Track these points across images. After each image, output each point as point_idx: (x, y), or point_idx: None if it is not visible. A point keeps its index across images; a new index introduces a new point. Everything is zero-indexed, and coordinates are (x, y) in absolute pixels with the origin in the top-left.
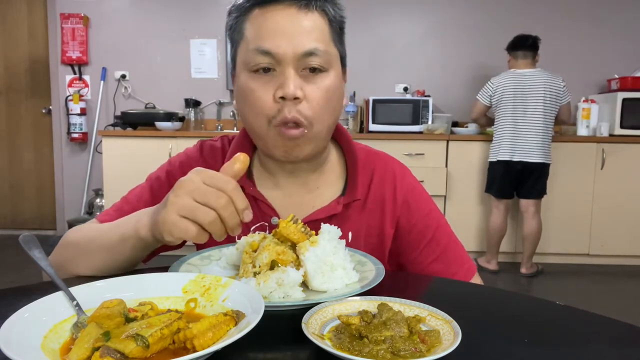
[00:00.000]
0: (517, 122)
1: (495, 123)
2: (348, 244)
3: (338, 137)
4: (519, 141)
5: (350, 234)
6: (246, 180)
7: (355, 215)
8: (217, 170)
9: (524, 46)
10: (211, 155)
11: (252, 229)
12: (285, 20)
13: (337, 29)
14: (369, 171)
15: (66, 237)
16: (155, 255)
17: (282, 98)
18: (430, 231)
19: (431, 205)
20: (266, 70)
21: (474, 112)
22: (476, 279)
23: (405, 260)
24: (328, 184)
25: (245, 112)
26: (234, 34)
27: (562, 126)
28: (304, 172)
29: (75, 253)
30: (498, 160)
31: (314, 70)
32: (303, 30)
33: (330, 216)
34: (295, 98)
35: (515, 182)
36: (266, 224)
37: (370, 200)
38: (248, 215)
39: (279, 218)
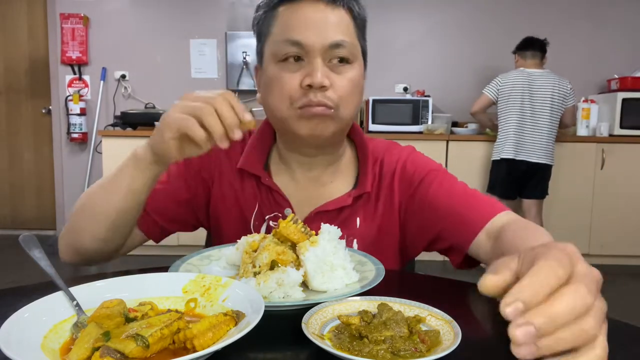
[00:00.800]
0: (524, 121)
1: (500, 121)
2: (357, 230)
3: (352, 133)
4: (524, 140)
5: (358, 220)
6: (263, 172)
7: (365, 206)
8: (236, 162)
9: (533, 46)
10: (231, 145)
11: (266, 217)
12: (314, 14)
13: (361, 26)
14: (378, 163)
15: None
16: (166, 235)
17: (309, 86)
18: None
19: (434, 166)
20: (296, 59)
21: (475, 105)
22: (505, 216)
23: (440, 236)
24: (341, 179)
25: (270, 99)
26: (262, 27)
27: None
28: (320, 167)
29: (80, 204)
30: (501, 159)
31: (341, 61)
32: (331, 23)
33: (340, 208)
34: (322, 87)
35: (519, 182)
36: (280, 214)
37: (383, 190)
38: (247, 117)
39: (292, 210)
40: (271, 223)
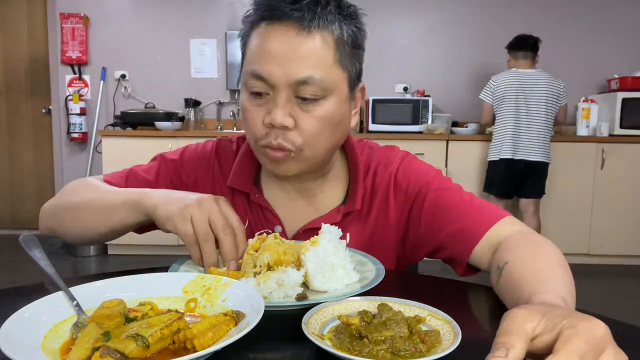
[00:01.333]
0: (520, 121)
1: (496, 122)
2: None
3: (345, 145)
4: (522, 140)
5: (348, 235)
6: (252, 188)
7: (355, 222)
8: (228, 170)
9: (525, 46)
10: (224, 159)
11: (256, 234)
12: (281, 44)
13: (348, 48)
14: (371, 175)
15: (69, 185)
16: (150, 230)
17: (272, 125)
18: (440, 201)
19: (427, 176)
20: (259, 94)
21: (485, 116)
22: (505, 224)
23: (439, 245)
24: (332, 190)
25: (243, 126)
26: (243, 45)
27: (562, 126)
28: (308, 178)
29: (75, 202)
30: (500, 159)
31: (306, 99)
32: (299, 57)
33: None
34: (285, 127)
35: (516, 181)
36: (270, 231)
37: (376, 204)
38: (233, 265)
39: (281, 227)
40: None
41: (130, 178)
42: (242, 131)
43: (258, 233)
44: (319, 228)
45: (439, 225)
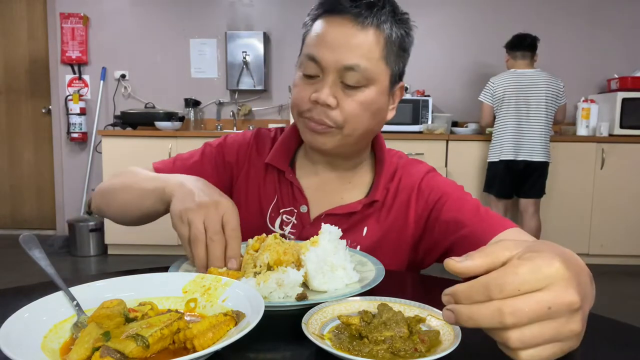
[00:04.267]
0: (520, 122)
1: (496, 123)
2: (362, 238)
3: (376, 145)
4: (522, 140)
5: (365, 229)
6: (288, 168)
7: (374, 216)
8: (265, 152)
9: (523, 46)
10: (262, 143)
11: (281, 211)
12: (337, 33)
13: (395, 48)
14: (397, 179)
15: (119, 171)
16: None
17: (316, 102)
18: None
19: (449, 188)
20: (311, 77)
21: (485, 117)
22: (514, 233)
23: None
24: (360, 183)
25: (291, 101)
26: (305, 33)
27: (562, 126)
28: (341, 166)
29: (121, 183)
30: (500, 160)
31: (350, 86)
32: (350, 46)
33: (349, 213)
34: (327, 105)
35: (516, 181)
36: (295, 209)
37: (397, 205)
38: (232, 264)
39: (307, 207)
40: (285, 217)
41: (178, 162)
42: (240, 131)
43: (283, 210)
44: (341, 214)
45: (452, 228)
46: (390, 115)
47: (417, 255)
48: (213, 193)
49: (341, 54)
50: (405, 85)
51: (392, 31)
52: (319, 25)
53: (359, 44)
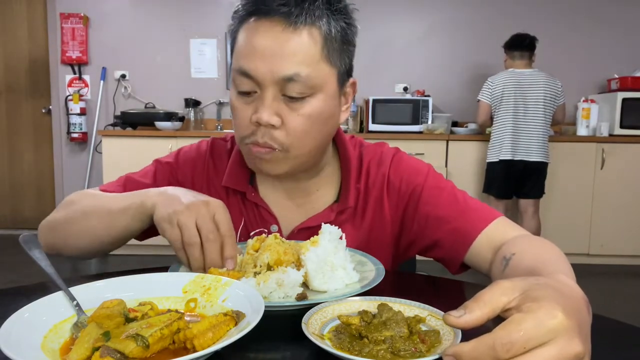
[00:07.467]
0: (518, 122)
1: (494, 123)
2: None
3: (337, 141)
4: (521, 140)
5: (342, 236)
6: (248, 187)
7: (350, 221)
8: (223, 169)
9: (521, 46)
10: (219, 159)
11: (251, 234)
12: (267, 40)
13: (337, 44)
14: (364, 174)
15: (67, 198)
16: (151, 237)
17: (258, 123)
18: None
19: (419, 176)
20: (247, 93)
21: (481, 115)
22: (500, 225)
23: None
24: (327, 187)
25: (233, 124)
26: (232, 41)
27: (562, 126)
28: (303, 177)
29: (74, 211)
30: (500, 160)
31: (293, 97)
32: (285, 53)
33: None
34: (272, 126)
35: (516, 182)
36: (265, 230)
37: (370, 205)
38: (230, 264)
39: (278, 226)
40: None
41: (128, 184)
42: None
43: (253, 232)
44: (314, 227)
45: (433, 225)
46: (344, 116)
47: (398, 250)
48: (198, 194)
49: (276, 64)
50: (405, 85)
51: (331, 26)
52: (245, 32)
53: (294, 49)
